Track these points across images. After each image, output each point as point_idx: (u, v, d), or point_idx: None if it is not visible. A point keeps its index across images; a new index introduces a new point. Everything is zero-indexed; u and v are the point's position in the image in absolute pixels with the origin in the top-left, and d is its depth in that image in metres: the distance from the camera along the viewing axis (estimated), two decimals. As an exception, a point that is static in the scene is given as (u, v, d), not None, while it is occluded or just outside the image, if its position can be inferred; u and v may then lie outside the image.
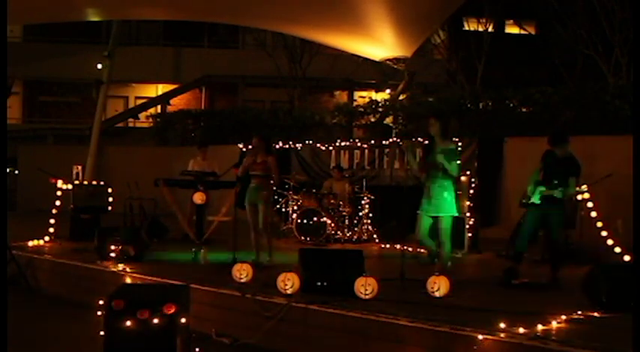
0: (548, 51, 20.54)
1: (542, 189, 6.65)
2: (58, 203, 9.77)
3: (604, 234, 8.05)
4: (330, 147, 13.57)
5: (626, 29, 16.88)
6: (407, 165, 12.01)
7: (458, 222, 9.06)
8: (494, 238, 9.89)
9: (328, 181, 11.41)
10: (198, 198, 8.14)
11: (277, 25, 13.19)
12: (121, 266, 7.38)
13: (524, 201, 6.98)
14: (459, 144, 10.67)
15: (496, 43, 21.49)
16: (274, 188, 8.77)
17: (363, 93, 26.14)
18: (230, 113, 18.46)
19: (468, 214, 9.42)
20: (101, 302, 4.91)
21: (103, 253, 7.87)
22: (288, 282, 5.78)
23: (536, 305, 5.57)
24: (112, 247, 7.81)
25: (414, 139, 12.18)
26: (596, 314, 5.17)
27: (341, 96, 28.23)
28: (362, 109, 15.77)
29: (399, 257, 6.76)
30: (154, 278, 6.73)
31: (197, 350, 5.19)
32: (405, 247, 7.13)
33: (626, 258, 7.63)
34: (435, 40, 22.14)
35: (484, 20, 21.83)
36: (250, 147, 7.96)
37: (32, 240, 9.50)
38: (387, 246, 9.98)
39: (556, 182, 6.57)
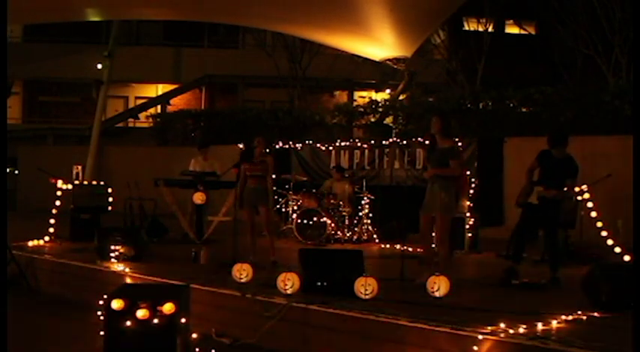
0: (548, 51, 20.55)
1: (539, 189, 6.65)
2: (58, 203, 9.75)
3: (604, 234, 8.04)
4: (330, 147, 13.56)
5: (626, 29, 16.90)
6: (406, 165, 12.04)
7: (458, 222, 9.10)
8: (494, 238, 9.88)
9: (328, 181, 11.40)
10: (198, 198, 8.16)
11: (277, 25, 13.22)
12: (121, 266, 7.37)
13: (520, 200, 6.98)
14: (459, 144, 10.66)
15: (496, 43, 21.50)
16: (273, 188, 8.76)
17: (363, 93, 26.17)
18: (230, 113, 18.45)
19: (467, 214, 9.42)
20: (101, 302, 4.91)
21: (103, 253, 7.86)
22: (288, 282, 5.77)
23: (536, 305, 5.55)
24: (112, 247, 7.81)
25: (414, 139, 12.19)
26: (596, 314, 5.16)
27: (341, 96, 28.25)
28: (362, 109, 15.75)
29: (399, 257, 6.75)
30: (154, 278, 6.72)
31: (197, 350, 5.19)
32: (405, 247, 7.14)
33: (626, 258, 7.62)
34: (435, 40, 22.16)
35: (484, 20, 21.86)
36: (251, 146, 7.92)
37: (32, 240, 9.48)
38: (387, 246, 9.99)
39: (553, 183, 6.56)
